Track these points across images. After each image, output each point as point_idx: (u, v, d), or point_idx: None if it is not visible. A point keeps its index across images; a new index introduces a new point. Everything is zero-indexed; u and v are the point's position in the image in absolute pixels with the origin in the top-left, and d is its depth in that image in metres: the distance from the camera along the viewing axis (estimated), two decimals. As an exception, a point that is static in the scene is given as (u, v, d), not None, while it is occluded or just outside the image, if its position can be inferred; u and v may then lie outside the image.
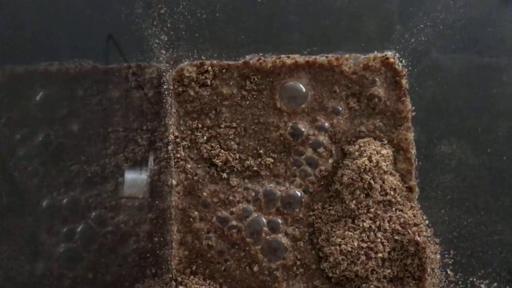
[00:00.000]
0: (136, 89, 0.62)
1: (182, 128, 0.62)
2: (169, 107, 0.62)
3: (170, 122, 0.62)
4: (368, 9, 0.63)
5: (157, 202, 0.61)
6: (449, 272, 0.60)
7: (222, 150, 0.62)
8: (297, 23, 0.63)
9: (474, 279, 0.60)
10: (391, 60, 0.62)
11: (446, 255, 0.60)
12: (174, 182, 0.61)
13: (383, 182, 0.59)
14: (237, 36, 0.63)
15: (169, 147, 0.62)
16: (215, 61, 0.63)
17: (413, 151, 0.62)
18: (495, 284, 0.59)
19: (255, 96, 0.63)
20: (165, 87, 0.63)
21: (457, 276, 0.60)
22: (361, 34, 0.63)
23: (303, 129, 0.62)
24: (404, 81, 0.62)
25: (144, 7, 0.62)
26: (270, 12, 0.63)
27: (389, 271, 0.59)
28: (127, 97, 0.62)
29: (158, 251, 0.61)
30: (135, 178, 0.61)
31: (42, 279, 0.60)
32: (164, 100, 0.62)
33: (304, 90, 0.62)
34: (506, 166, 0.61)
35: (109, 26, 0.62)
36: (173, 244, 0.60)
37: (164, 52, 0.62)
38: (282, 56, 0.62)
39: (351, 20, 0.63)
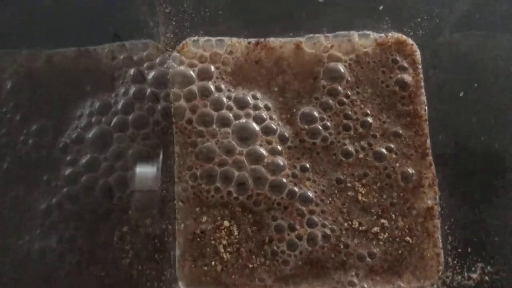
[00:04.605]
0: (143, 84, 0.65)
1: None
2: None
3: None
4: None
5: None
6: (448, 258, 0.62)
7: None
8: (304, 14, 0.66)
9: (470, 264, 0.61)
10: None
11: (448, 243, 0.62)
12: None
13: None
14: (241, 32, 0.65)
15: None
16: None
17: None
18: (489, 268, 0.61)
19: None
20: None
21: (455, 262, 0.61)
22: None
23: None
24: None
25: (149, 7, 0.64)
26: (275, 6, 0.66)
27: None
28: (136, 94, 0.65)
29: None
30: (146, 172, 0.64)
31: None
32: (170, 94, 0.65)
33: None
34: (504, 151, 0.63)
35: (116, 25, 0.65)
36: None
37: (170, 49, 0.65)
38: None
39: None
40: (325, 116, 0.65)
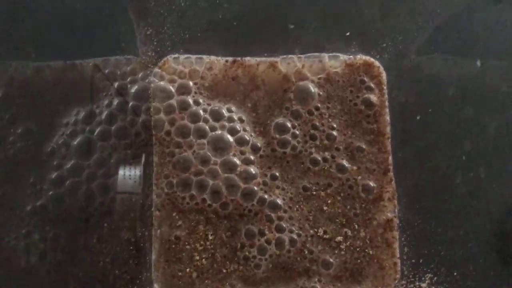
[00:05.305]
0: (125, 97, 0.69)
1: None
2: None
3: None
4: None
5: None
6: (404, 268, 0.66)
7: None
8: (277, 37, 0.70)
9: (421, 274, 0.66)
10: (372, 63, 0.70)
11: (404, 253, 0.67)
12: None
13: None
14: (220, 52, 0.70)
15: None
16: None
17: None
18: (435, 278, 0.65)
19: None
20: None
21: (409, 270, 0.66)
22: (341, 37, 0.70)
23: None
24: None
25: (131, 30, 0.69)
26: (251, 29, 0.71)
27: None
28: (119, 106, 0.69)
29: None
30: (128, 175, 0.68)
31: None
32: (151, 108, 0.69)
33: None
34: (455, 171, 0.68)
35: (97, 45, 0.70)
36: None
37: (151, 66, 0.69)
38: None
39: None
40: (296, 124, 0.69)
